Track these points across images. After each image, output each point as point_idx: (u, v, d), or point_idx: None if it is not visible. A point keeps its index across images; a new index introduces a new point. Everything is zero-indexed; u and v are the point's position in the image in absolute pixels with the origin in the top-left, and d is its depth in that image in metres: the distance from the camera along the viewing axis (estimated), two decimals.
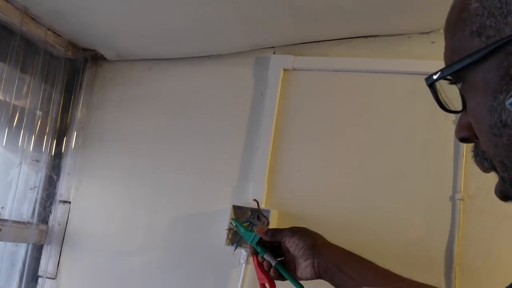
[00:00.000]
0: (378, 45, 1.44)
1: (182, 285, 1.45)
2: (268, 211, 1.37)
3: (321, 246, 0.87)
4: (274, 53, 1.53)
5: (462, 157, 1.30)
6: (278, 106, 1.48)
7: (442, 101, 0.47)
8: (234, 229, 1.41)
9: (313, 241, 0.88)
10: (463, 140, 0.48)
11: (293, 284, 0.89)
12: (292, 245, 0.89)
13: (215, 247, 1.43)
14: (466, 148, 1.30)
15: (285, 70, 1.50)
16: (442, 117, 1.34)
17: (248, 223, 1.39)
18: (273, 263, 0.94)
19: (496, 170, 0.44)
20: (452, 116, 1.34)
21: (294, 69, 1.49)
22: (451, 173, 1.31)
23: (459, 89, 0.46)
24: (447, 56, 0.46)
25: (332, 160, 1.41)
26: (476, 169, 1.38)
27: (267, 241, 0.97)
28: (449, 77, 0.45)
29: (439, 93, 0.46)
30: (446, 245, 1.27)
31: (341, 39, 1.45)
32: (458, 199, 1.28)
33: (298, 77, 1.50)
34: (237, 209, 1.41)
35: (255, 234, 0.98)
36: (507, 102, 0.38)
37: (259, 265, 1.01)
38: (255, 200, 1.37)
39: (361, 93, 1.43)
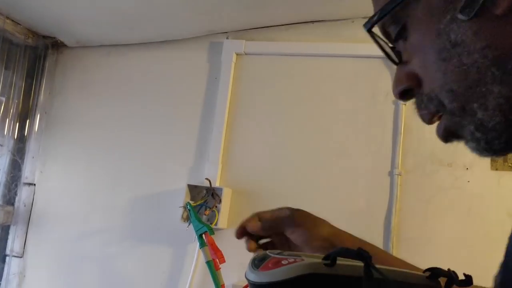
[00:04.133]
0: (324, 30, 1.50)
1: (142, 261, 1.53)
2: (221, 189, 1.44)
3: (333, 236, 0.71)
4: (227, 38, 1.59)
5: (400, 135, 1.38)
6: (232, 89, 1.55)
7: (382, 44, 0.46)
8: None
9: (322, 232, 0.72)
10: (403, 93, 0.46)
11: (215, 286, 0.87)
12: (298, 239, 0.70)
13: (172, 225, 1.50)
14: (404, 127, 1.38)
15: (237, 54, 1.56)
16: (382, 98, 1.42)
17: (203, 200, 1.47)
18: (205, 259, 0.90)
19: (443, 106, 0.42)
20: (391, 97, 1.42)
21: (246, 54, 1.56)
22: (390, 150, 1.39)
23: (393, 41, 0.46)
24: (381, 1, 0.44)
25: (282, 140, 1.49)
26: (413, 146, 1.46)
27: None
28: (385, 21, 0.44)
29: (377, 37, 0.46)
30: (385, 217, 1.36)
31: (289, 24, 1.52)
32: (396, 174, 1.37)
33: (250, 61, 1.56)
34: (192, 188, 1.48)
35: (203, 226, 0.91)
36: (458, 16, 0.38)
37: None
38: (207, 179, 1.45)
39: (308, 76, 1.50)
